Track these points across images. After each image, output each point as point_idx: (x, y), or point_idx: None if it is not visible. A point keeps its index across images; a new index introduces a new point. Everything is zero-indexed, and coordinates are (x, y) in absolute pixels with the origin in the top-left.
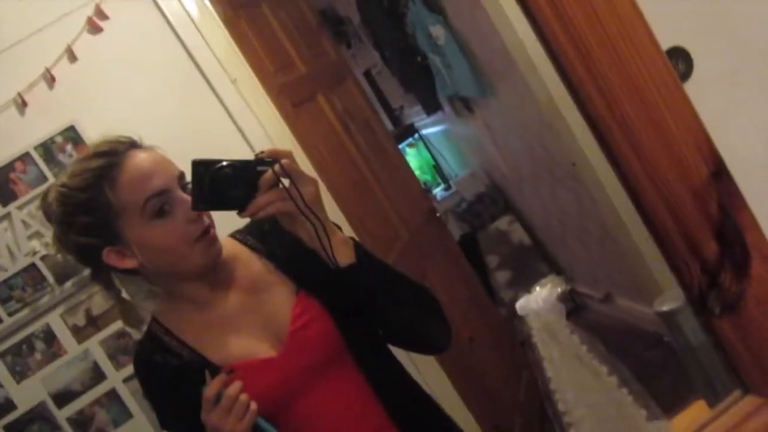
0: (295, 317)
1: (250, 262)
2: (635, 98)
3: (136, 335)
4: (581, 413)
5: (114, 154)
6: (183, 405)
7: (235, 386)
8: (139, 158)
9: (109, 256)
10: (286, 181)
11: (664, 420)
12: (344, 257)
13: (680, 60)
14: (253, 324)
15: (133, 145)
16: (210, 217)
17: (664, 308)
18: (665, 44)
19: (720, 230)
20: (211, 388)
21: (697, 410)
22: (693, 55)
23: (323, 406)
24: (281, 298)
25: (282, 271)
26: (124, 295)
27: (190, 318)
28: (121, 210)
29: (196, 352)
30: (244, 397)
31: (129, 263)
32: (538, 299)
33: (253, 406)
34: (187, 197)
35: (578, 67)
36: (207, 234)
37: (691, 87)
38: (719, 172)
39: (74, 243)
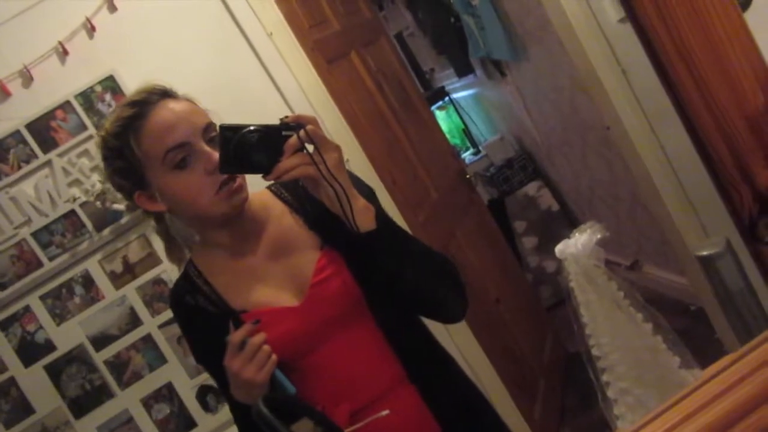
0: (318, 270)
1: (281, 215)
2: (697, 25)
3: (173, 279)
4: (615, 358)
5: (144, 104)
6: (209, 346)
7: (260, 336)
8: (165, 110)
9: (140, 200)
10: (310, 147)
11: (698, 369)
12: (365, 223)
13: None
14: (278, 274)
15: (165, 94)
16: None
17: (704, 253)
18: None
19: None
20: (236, 335)
21: (728, 361)
22: None
23: (339, 358)
24: (307, 252)
25: (310, 226)
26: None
27: (221, 263)
28: (145, 159)
29: (222, 297)
30: (267, 347)
31: (158, 207)
32: (577, 243)
33: (274, 357)
34: (210, 150)
35: None
36: (228, 184)
37: (750, 16)
38: None
39: (114, 182)
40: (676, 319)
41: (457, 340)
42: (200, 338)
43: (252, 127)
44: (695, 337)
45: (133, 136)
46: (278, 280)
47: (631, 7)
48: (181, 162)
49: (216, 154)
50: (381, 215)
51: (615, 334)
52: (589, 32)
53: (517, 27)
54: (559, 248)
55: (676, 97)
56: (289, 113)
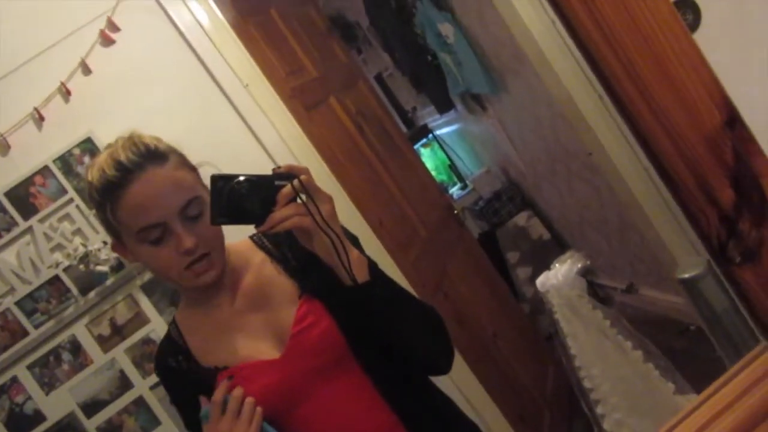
0: (298, 320)
1: (261, 266)
2: (644, 49)
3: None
4: (608, 389)
5: (127, 171)
6: (192, 408)
7: (239, 389)
8: (146, 185)
9: (115, 248)
10: (303, 197)
11: (693, 394)
12: (360, 274)
13: (688, 10)
14: (257, 326)
15: (152, 158)
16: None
17: (686, 275)
18: None
19: (736, 178)
20: (217, 395)
21: (719, 384)
22: (701, 6)
23: (327, 411)
24: (286, 301)
25: (289, 274)
26: None
27: (201, 320)
28: (120, 227)
29: (199, 359)
30: (250, 399)
31: (131, 258)
32: (558, 275)
33: (259, 409)
34: (183, 231)
35: (586, 21)
36: (196, 265)
37: (699, 37)
38: (732, 120)
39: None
40: (676, 339)
41: (454, 376)
42: (184, 401)
43: (243, 177)
44: (697, 356)
45: (110, 205)
46: (258, 332)
47: (577, 36)
48: (153, 239)
49: (187, 238)
50: (372, 265)
51: (605, 364)
52: (563, 61)
53: (493, 60)
54: (540, 281)
55: (633, 124)
56: (270, 164)
